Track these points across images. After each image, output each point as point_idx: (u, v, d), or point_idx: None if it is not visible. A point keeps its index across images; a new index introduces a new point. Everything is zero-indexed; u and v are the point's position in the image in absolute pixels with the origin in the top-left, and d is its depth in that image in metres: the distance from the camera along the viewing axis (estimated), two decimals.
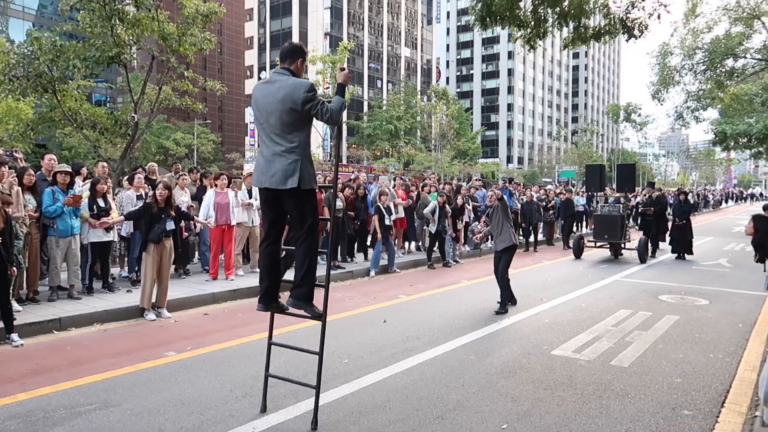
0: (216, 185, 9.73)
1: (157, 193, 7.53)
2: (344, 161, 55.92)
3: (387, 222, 11.40)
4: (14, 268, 6.18)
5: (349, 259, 11.84)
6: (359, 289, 9.79)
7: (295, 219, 3.94)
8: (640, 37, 9.92)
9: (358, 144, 56.43)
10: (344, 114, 4.32)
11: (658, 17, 9.86)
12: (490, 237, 8.58)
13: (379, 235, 11.16)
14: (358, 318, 7.52)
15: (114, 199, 8.78)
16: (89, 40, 13.14)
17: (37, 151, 28.73)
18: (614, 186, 20.54)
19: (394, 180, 14.68)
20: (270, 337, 4.38)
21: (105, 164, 9.72)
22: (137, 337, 6.51)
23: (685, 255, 14.38)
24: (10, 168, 7.48)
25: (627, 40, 10.16)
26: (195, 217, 9.14)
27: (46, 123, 15.57)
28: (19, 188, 7.18)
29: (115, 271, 9.22)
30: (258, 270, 10.08)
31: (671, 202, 20.21)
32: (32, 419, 4.12)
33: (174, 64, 14.38)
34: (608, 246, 14.39)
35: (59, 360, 5.58)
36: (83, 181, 8.91)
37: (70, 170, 7.87)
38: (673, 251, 14.68)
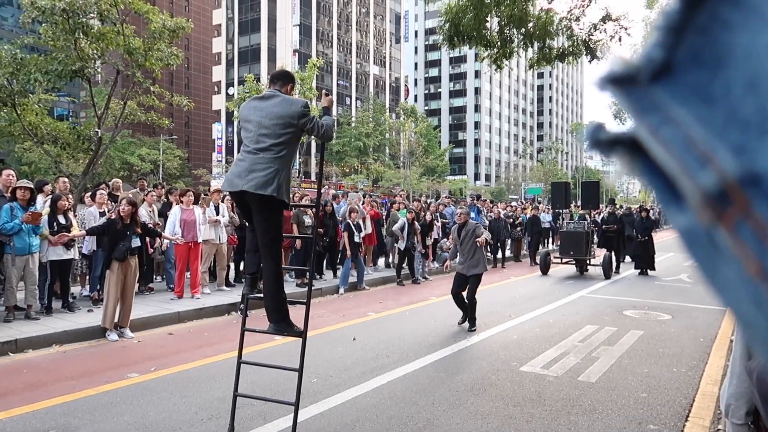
0: (182, 202, 9.56)
1: (120, 210, 7.35)
2: (313, 178, 55.78)
3: (356, 239, 11.38)
4: None
5: (318, 276, 11.74)
6: (328, 306, 9.70)
7: (258, 231, 3.96)
8: (602, 58, 10.24)
9: (327, 161, 56.40)
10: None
11: (619, 39, 10.23)
12: (456, 254, 8.61)
13: (349, 252, 11.12)
14: (327, 336, 7.44)
15: (75, 216, 8.55)
16: (51, 53, 12.86)
17: None
18: (579, 203, 20.94)
19: (364, 198, 14.68)
20: (240, 355, 4.29)
21: (66, 180, 9.47)
22: (98, 359, 6.31)
23: (648, 271, 14.71)
24: None
25: (590, 61, 10.47)
26: (162, 233, 8.96)
27: (5, 137, 15.17)
28: None
29: (75, 290, 8.94)
30: (224, 288, 10.01)
31: (635, 218, 20.67)
32: None
33: (140, 78, 14.17)
34: (574, 262, 14.64)
35: (14, 384, 5.35)
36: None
37: (30, 186, 7.64)
38: (636, 267, 15.02)
